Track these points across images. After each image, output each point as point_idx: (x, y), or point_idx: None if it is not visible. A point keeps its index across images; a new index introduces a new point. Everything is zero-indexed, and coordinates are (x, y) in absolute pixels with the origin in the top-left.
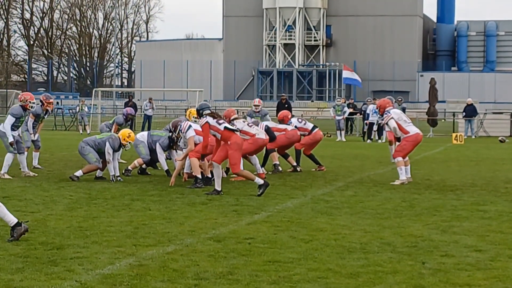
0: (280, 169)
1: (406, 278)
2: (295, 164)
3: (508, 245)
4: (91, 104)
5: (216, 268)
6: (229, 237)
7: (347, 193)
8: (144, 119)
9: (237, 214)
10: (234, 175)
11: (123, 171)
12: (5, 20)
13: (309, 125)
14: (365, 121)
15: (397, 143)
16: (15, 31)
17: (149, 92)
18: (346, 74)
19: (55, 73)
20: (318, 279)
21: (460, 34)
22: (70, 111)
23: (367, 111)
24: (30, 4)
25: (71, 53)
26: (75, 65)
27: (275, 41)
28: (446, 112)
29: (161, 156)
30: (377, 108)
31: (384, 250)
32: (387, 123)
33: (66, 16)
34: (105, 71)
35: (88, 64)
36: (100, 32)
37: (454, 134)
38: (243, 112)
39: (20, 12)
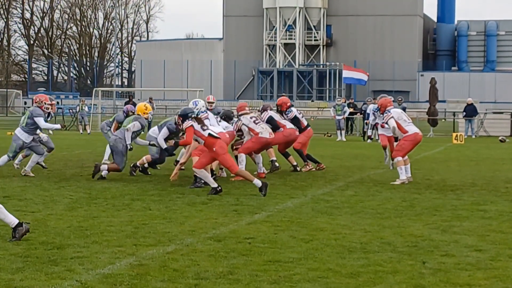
0: (277, 165)
1: (406, 278)
2: (295, 163)
3: (509, 245)
4: (91, 104)
5: (216, 267)
6: (229, 237)
7: (347, 193)
8: None
9: (237, 213)
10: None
11: (131, 165)
12: (5, 20)
13: (305, 121)
14: (365, 121)
15: (395, 143)
16: (15, 31)
17: (149, 91)
18: (346, 73)
19: (55, 72)
20: (318, 279)
21: (461, 33)
22: (70, 111)
23: (367, 111)
24: (31, 3)
25: (71, 53)
26: (75, 64)
27: (275, 41)
28: (447, 112)
29: (161, 138)
30: (378, 107)
31: (384, 249)
32: (386, 123)
33: (66, 16)
34: (105, 71)
35: (88, 64)
36: (100, 32)
37: (454, 134)
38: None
39: (20, 11)
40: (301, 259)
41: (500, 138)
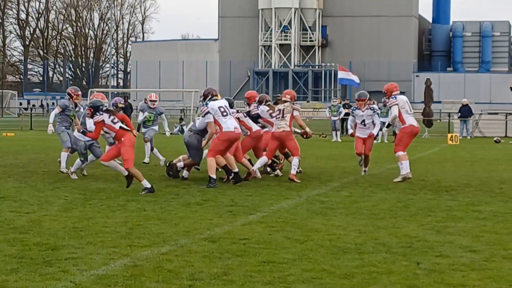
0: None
1: (401, 279)
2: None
3: (503, 246)
4: (86, 105)
5: (211, 268)
6: (224, 238)
7: (342, 194)
8: None
9: (232, 214)
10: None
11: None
12: (0, 21)
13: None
14: None
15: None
16: (10, 32)
17: (144, 92)
18: (342, 74)
19: (50, 73)
20: (312, 280)
21: (456, 34)
22: None
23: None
24: (26, 4)
25: (67, 54)
26: (70, 65)
27: (271, 41)
28: (442, 113)
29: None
30: (384, 92)
31: (379, 250)
32: (390, 107)
33: (62, 17)
34: (100, 72)
35: (83, 64)
36: (95, 33)
37: (449, 135)
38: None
39: (16, 12)
40: (296, 259)
41: (495, 138)
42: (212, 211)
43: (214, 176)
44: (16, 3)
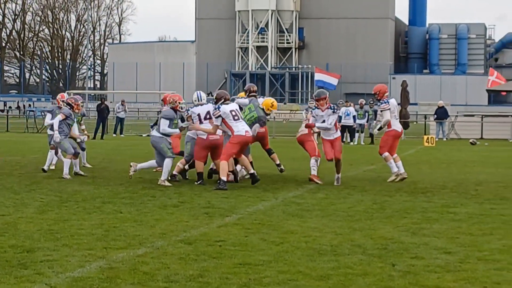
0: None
1: (376, 280)
2: (278, 162)
3: (478, 247)
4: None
5: (187, 270)
6: (200, 240)
7: (319, 196)
8: (116, 121)
9: (208, 216)
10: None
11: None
12: None
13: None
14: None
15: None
16: None
17: (121, 94)
18: (318, 76)
19: (27, 75)
20: (288, 282)
21: (432, 37)
22: (42, 113)
23: (340, 114)
24: (2, 6)
25: (44, 55)
26: (47, 67)
27: (248, 43)
28: (418, 115)
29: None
30: (375, 92)
31: (354, 252)
32: (381, 111)
33: (38, 18)
34: (77, 73)
35: (60, 66)
36: (72, 34)
37: (425, 137)
38: None
39: None
40: (272, 261)
41: (471, 140)
42: (188, 213)
43: (225, 179)
44: None
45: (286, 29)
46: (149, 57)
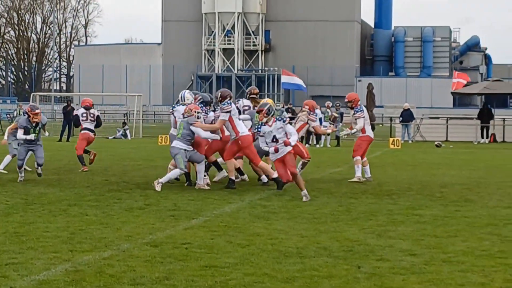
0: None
1: (342, 283)
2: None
3: (442, 249)
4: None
5: (153, 273)
6: (166, 242)
7: (285, 198)
8: None
9: (174, 219)
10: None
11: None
12: None
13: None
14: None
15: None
16: None
17: (87, 96)
18: (285, 79)
19: None
20: (254, 284)
21: (397, 39)
22: (8, 115)
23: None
24: None
25: (9, 57)
26: (13, 69)
27: (214, 46)
28: (384, 117)
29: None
30: (349, 101)
31: (320, 254)
32: (355, 119)
33: (4, 20)
34: (43, 76)
35: (26, 68)
36: (38, 36)
37: (391, 139)
38: None
39: None
40: (237, 264)
41: (436, 143)
42: (154, 216)
43: (233, 178)
44: None
45: (252, 31)
46: (116, 59)
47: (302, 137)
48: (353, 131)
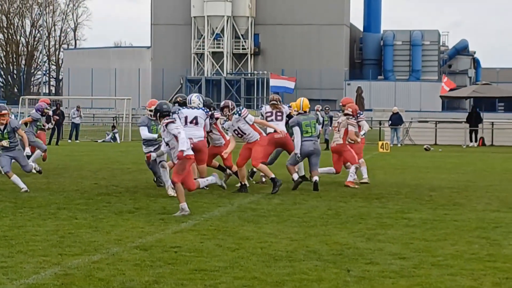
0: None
1: (331, 286)
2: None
3: (432, 253)
4: (17, 112)
5: (142, 277)
6: (155, 246)
7: (274, 202)
8: (71, 127)
9: (163, 222)
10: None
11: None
12: None
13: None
14: None
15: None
16: None
17: (77, 100)
18: (274, 82)
19: None
20: (243, 287)
21: (386, 43)
22: None
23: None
24: None
25: None
26: (1, 72)
27: (203, 49)
28: (373, 121)
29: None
30: (346, 108)
31: (309, 258)
32: (359, 122)
33: None
34: (32, 79)
35: (15, 71)
36: (27, 40)
37: (380, 143)
38: None
39: None
40: (227, 267)
41: (425, 146)
42: (143, 219)
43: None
44: None
45: (241, 35)
46: (105, 62)
47: (326, 141)
48: (362, 132)
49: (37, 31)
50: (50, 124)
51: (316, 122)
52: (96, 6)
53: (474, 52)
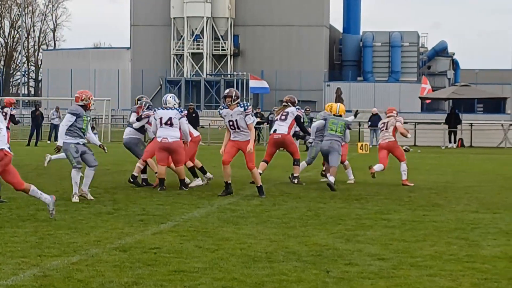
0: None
1: (310, 287)
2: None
3: (410, 253)
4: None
5: (121, 278)
6: (134, 247)
7: (253, 203)
8: (51, 128)
9: (143, 223)
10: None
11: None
12: None
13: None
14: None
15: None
16: None
17: (56, 101)
18: (253, 83)
19: None
20: None
21: (366, 44)
22: None
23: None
24: None
25: None
26: None
27: (183, 50)
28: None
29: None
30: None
31: (289, 259)
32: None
33: None
34: (11, 80)
35: None
36: (6, 40)
37: (359, 144)
38: None
39: None
40: (206, 268)
41: (404, 147)
42: (123, 220)
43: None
44: None
45: (221, 36)
46: (84, 63)
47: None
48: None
49: (16, 32)
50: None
51: (345, 126)
52: (75, 7)
53: (453, 54)
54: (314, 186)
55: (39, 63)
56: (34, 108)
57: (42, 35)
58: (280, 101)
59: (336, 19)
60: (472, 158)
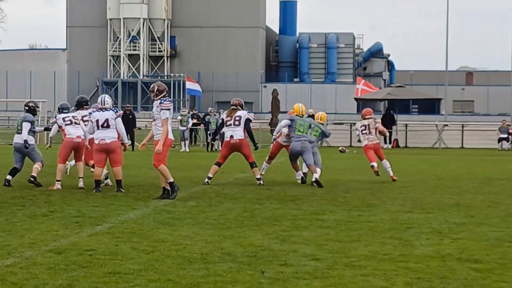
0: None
1: None
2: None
3: (345, 254)
4: None
5: (56, 280)
6: (69, 249)
7: (190, 204)
8: None
9: (78, 225)
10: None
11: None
12: None
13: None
14: (209, 132)
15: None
16: None
17: None
18: (189, 85)
19: None
20: None
21: (302, 46)
22: None
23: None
24: None
25: None
26: None
27: (120, 51)
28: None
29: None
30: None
31: (224, 260)
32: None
33: None
34: None
35: None
36: None
37: None
38: None
39: None
40: (142, 270)
41: (340, 148)
42: (58, 222)
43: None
44: None
45: (158, 37)
46: (20, 65)
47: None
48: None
49: None
50: None
51: (309, 126)
52: (10, 8)
53: (389, 55)
54: (250, 188)
55: None
56: None
57: None
58: (217, 102)
59: (273, 20)
60: (407, 159)
